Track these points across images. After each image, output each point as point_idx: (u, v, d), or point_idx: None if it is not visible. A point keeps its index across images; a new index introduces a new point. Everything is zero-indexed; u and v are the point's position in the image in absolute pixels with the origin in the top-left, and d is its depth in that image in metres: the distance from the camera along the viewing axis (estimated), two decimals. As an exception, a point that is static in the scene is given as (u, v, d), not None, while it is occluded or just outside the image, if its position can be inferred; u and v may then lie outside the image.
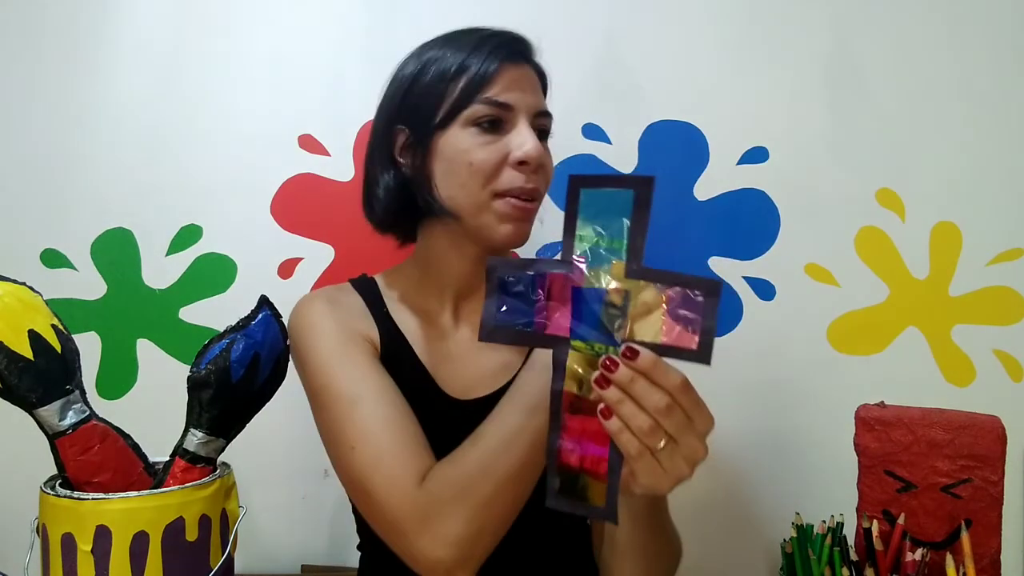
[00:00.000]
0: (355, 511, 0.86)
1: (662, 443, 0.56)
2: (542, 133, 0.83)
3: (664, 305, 0.55)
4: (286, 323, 0.83)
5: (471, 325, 0.88)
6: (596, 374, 0.56)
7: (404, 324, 0.87)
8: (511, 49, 0.82)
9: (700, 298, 0.55)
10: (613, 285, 0.57)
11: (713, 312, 0.54)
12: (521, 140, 0.79)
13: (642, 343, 0.55)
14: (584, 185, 0.58)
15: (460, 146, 0.79)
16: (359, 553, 0.92)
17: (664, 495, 0.58)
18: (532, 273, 0.59)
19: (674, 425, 0.56)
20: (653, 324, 0.56)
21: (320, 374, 0.80)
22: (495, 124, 0.80)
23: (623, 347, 0.55)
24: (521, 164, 0.79)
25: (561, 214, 0.59)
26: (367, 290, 0.89)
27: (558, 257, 0.60)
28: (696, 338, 0.54)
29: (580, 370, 0.58)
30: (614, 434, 0.56)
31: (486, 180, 0.79)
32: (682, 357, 0.55)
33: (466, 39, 0.82)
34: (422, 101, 0.81)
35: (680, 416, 0.56)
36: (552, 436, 0.59)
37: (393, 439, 0.74)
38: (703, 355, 0.54)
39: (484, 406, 0.79)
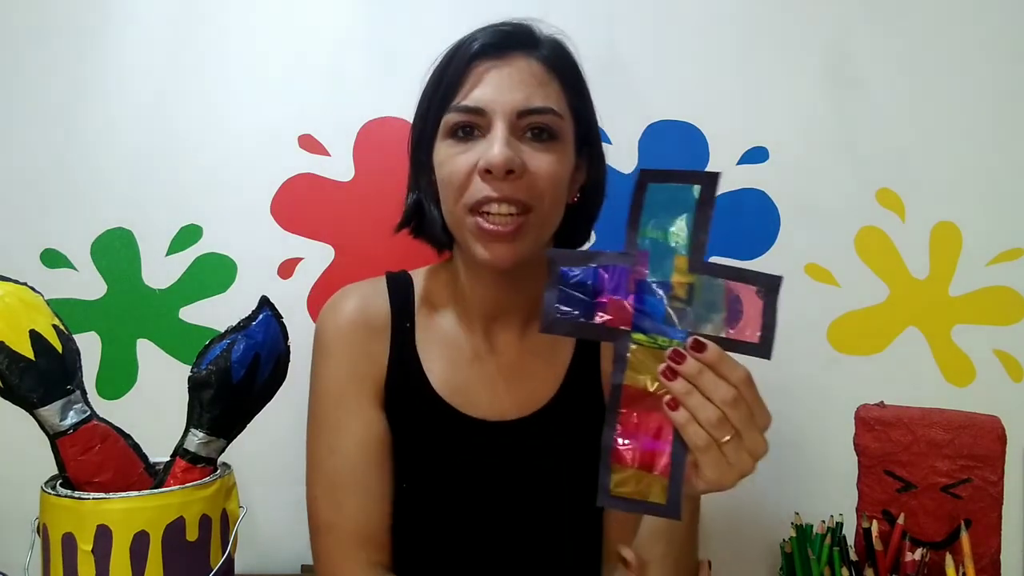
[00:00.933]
0: None
1: (728, 436, 0.56)
2: (540, 132, 0.74)
3: (726, 299, 0.57)
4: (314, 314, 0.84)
5: (502, 352, 0.85)
6: (663, 366, 0.56)
7: (428, 341, 0.84)
8: (488, 43, 0.74)
9: (761, 293, 0.56)
10: (677, 279, 0.57)
11: (773, 307, 0.56)
12: (488, 146, 0.71)
13: (706, 336, 0.56)
14: (652, 179, 0.58)
15: (439, 159, 0.76)
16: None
17: (727, 489, 0.58)
18: (595, 265, 0.59)
19: (739, 418, 0.56)
20: (716, 318, 0.57)
21: (316, 395, 0.84)
22: (469, 131, 0.74)
23: (690, 340, 0.56)
24: (486, 173, 0.71)
25: None
26: (399, 294, 0.85)
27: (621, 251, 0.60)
28: (758, 332, 0.56)
29: (641, 364, 0.58)
30: (681, 426, 0.56)
31: (458, 193, 0.73)
32: (742, 351, 0.56)
33: (456, 42, 0.77)
34: (424, 116, 0.78)
35: (745, 409, 0.56)
36: (607, 431, 0.58)
37: (354, 510, 0.79)
38: (764, 349, 0.56)
39: (512, 429, 0.80)
